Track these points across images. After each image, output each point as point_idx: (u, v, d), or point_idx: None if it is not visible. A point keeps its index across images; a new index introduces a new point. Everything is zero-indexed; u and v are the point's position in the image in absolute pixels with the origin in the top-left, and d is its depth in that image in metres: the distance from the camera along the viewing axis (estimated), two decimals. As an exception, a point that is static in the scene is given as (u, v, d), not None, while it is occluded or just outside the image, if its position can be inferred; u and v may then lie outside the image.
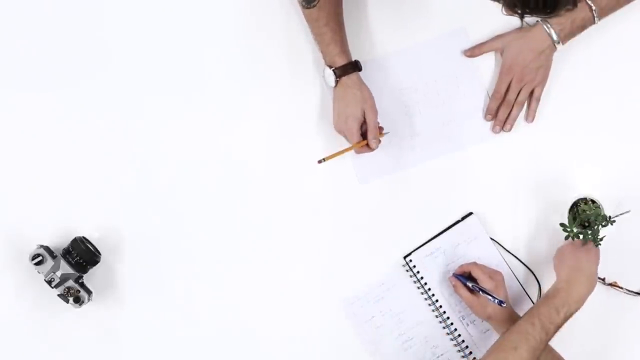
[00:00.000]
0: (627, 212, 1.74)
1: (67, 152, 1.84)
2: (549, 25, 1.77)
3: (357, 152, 1.79)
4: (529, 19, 1.80)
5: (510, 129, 1.84)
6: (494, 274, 1.77)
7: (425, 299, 1.83)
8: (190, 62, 1.85)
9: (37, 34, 1.85)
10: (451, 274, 1.81)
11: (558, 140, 1.84)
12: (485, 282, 1.75)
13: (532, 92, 1.83)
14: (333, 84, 1.76)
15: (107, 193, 1.83)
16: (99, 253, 1.81)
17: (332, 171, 1.83)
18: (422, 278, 1.83)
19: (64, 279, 1.76)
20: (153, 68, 1.85)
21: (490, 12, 1.79)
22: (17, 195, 1.83)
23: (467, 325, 1.82)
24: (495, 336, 1.78)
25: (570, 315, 1.64)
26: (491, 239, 1.83)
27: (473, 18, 1.84)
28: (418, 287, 1.83)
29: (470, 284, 1.77)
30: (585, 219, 1.75)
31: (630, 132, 1.84)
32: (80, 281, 1.78)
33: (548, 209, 1.82)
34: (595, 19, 1.76)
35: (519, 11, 1.40)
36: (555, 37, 1.77)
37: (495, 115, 1.84)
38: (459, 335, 1.81)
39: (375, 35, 1.83)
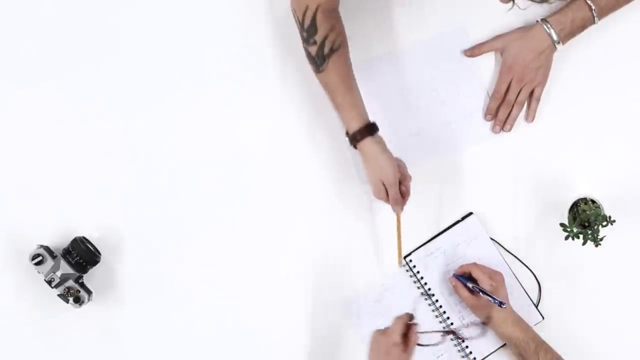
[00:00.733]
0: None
1: (67, 152, 1.84)
2: (549, 25, 1.77)
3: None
4: (528, 18, 1.81)
5: (510, 129, 1.84)
6: (494, 275, 1.77)
7: (426, 299, 1.83)
8: (189, 62, 1.85)
9: (38, 34, 1.85)
10: (451, 274, 1.81)
11: (558, 140, 1.84)
12: (485, 283, 1.75)
13: (532, 92, 1.83)
14: (353, 148, 1.73)
15: (107, 193, 1.83)
16: (99, 253, 1.81)
17: (332, 171, 1.83)
18: (422, 278, 1.83)
19: (64, 279, 1.76)
20: (152, 68, 1.85)
21: (490, 12, 1.81)
22: (17, 195, 1.83)
23: (467, 325, 1.82)
24: (494, 336, 1.79)
25: None
26: (491, 239, 1.83)
27: (473, 18, 1.83)
28: (418, 288, 1.83)
29: (470, 285, 1.76)
30: (585, 219, 1.74)
31: (630, 132, 1.84)
32: (80, 281, 1.78)
33: (548, 209, 1.82)
34: (595, 18, 1.76)
35: None
36: (555, 37, 1.77)
37: (495, 115, 1.84)
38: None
39: (375, 35, 1.83)
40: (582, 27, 1.77)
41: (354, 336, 1.82)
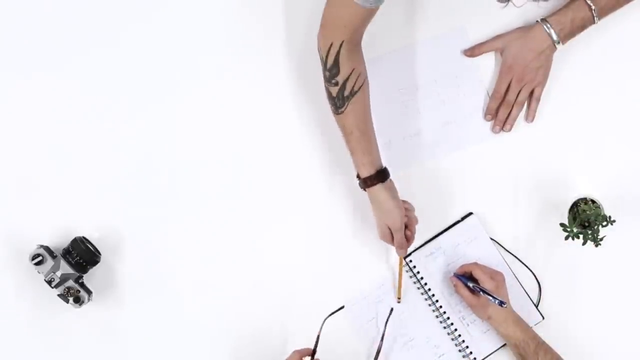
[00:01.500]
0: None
1: (67, 152, 1.84)
2: (549, 25, 1.77)
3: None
4: (527, 18, 1.81)
5: (510, 129, 1.84)
6: (494, 275, 1.77)
7: (426, 299, 1.83)
8: (188, 62, 1.85)
9: (38, 34, 1.85)
10: (452, 274, 1.81)
11: (558, 140, 1.84)
12: (486, 283, 1.75)
13: (532, 92, 1.83)
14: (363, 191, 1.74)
15: (107, 193, 1.84)
16: (99, 253, 1.81)
17: (332, 171, 1.83)
18: (422, 278, 1.83)
19: (64, 279, 1.76)
20: (152, 68, 1.85)
21: (490, 12, 1.81)
22: (17, 195, 1.83)
23: (468, 325, 1.82)
24: (495, 336, 1.79)
25: None
26: (491, 239, 1.83)
27: (473, 18, 1.83)
28: (418, 288, 1.83)
29: (471, 285, 1.76)
30: (585, 219, 1.74)
31: (630, 132, 1.84)
32: (80, 281, 1.78)
33: (548, 209, 1.82)
34: (595, 18, 1.76)
35: None
36: (555, 37, 1.77)
37: (495, 115, 1.84)
38: (460, 335, 1.81)
39: (375, 35, 1.82)
40: (582, 27, 1.77)
41: (355, 338, 1.82)
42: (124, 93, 1.85)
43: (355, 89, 1.67)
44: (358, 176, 1.73)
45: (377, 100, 1.77)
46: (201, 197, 1.84)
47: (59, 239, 1.81)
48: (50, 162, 1.84)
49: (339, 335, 1.82)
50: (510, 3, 1.49)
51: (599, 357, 1.81)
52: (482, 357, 1.81)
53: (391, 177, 1.74)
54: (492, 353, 1.81)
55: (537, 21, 1.79)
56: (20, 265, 1.81)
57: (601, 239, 1.71)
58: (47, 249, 1.77)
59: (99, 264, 1.81)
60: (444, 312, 1.82)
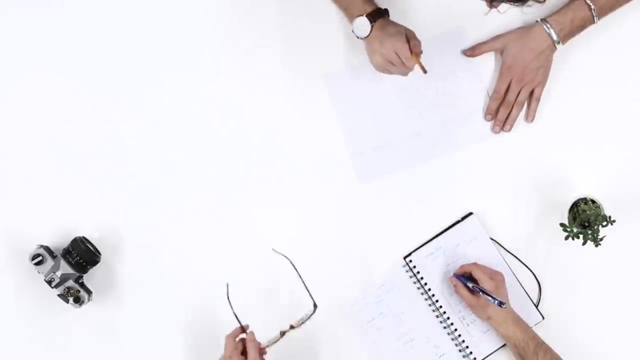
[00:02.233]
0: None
1: (67, 152, 1.84)
2: (548, 25, 1.77)
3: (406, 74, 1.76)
4: (527, 18, 1.81)
5: (510, 129, 1.84)
6: (494, 275, 1.77)
7: (426, 299, 1.83)
8: (188, 63, 1.86)
9: (38, 34, 1.85)
10: (452, 274, 1.81)
11: (558, 140, 1.84)
12: (485, 283, 1.75)
13: (532, 92, 1.83)
14: (367, 31, 1.71)
15: (107, 193, 1.84)
16: (99, 253, 1.81)
17: (333, 171, 1.83)
18: (422, 278, 1.83)
19: (64, 279, 1.76)
20: (151, 69, 1.85)
21: (490, 12, 1.80)
22: (17, 195, 1.84)
23: (468, 325, 1.82)
24: (495, 336, 1.79)
25: None
26: (491, 239, 1.83)
27: (473, 18, 1.83)
28: (418, 288, 1.83)
29: (470, 285, 1.76)
30: (585, 219, 1.74)
31: (630, 132, 1.84)
32: (80, 281, 1.78)
33: (548, 209, 1.82)
34: (595, 18, 1.76)
35: None
36: (555, 37, 1.77)
37: (495, 115, 1.84)
38: (460, 335, 1.81)
39: (375, 35, 1.83)
40: (582, 27, 1.77)
41: (355, 338, 1.82)
42: (124, 93, 1.85)
43: None
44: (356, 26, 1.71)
45: (378, 100, 1.77)
46: (201, 197, 1.84)
47: (59, 239, 1.81)
48: (50, 162, 1.84)
49: (339, 335, 1.82)
50: (493, 10, 1.49)
51: (599, 357, 1.81)
52: (482, 357, 1.81)
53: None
54: (492, 353, 1.81)
55: (536, 21, 1.79)
56: (20, 265, 1.81)
57: (601, 239, 1.71)
58: (47, 249, 1.77)
59: (99, 264, 1.81)
60: (444, 312, 1.82)
